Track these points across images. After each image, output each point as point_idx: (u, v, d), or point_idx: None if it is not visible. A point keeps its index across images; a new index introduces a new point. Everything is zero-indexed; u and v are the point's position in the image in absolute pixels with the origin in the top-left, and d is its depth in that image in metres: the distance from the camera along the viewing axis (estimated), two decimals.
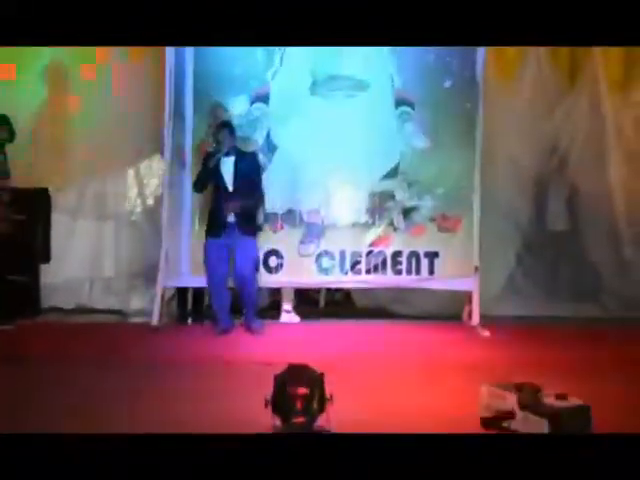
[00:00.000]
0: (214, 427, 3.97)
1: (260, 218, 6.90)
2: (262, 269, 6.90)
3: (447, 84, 7.08)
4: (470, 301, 7.13)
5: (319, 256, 7.04)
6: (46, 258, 7.35)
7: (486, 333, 6.74)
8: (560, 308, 7.44)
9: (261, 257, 6.88)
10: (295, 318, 7.21)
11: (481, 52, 7.04)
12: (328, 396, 3.90)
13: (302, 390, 3.80)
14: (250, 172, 6.56)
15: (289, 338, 6.55)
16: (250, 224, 6.62)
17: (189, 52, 6.88)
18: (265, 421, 3.91)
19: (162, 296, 6.87)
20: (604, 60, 7.64)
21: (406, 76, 7.07)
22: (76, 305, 7.45)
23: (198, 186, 6.65)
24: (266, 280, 6.97)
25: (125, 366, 5.41)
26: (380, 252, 7.09)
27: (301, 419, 3.81)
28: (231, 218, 6.45)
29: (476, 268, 7.07)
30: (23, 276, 7.11)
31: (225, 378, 5.15)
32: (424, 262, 7.08)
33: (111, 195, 7.56)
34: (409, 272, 7.10)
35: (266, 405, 3.87)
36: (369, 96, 7.06)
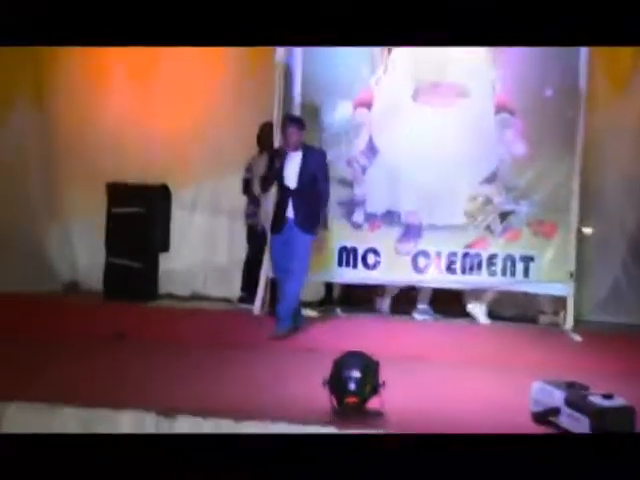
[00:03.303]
0: (280, 405, 4.45)
1: (322, 216, 6.59)
2: (360, 266, 7.25)
3: (548, 92, 7.19)
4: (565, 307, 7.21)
5: (416, 255, 7.29)
6: (165, 247, 7.93)
7: (578, 338, 6.81)
8: None
9: (360, 254, 7.23)
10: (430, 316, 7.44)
11: (584, 60, 7.12)
12: (381, 382, 4.24)
13: (356, 373, 4.16)
14: (316, 170, 6.46)
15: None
16: (309, 222, 6.44)
17: (298, 53, 7.21)
18: (324, 401, 4.30)
19: (266, 286, 7.26)
20: None
21: (507, 83, 7.25)
22: (191, 292, 8.02)
23: (264, 184, 6.68)
24: (363, 277, 7.30)
25: (220, 349, 5.95)
26: (476, 254, 7.28)
27: (353, 399, 4.16)
28: (290, 214, 6.42)
29: (571, 274, 7.15)
30: (144, 263, 7.71)
31: (298, 364, 5.57)
32: (519, 266, 7.22)
33: (225, 192, 7.96)
34: (504, 274, 7.25)
35: (324, 385, 4.25)
36: (470, 103, 7.27)
